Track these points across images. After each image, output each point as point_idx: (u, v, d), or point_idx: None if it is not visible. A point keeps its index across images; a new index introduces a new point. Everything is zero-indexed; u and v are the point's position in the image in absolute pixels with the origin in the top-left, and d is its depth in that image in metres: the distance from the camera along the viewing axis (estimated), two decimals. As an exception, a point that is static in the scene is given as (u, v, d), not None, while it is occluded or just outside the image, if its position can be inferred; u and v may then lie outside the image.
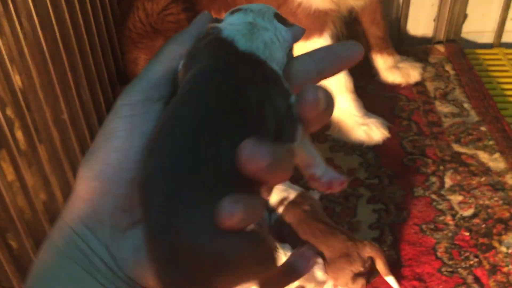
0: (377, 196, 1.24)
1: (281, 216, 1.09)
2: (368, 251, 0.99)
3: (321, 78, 0.33)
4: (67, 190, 1.09)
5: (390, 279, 1.00)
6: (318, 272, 0.96)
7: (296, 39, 0.33)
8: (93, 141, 0.32)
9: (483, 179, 1.26)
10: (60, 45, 1.10)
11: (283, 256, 0.96)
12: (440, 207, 1.20)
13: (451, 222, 1.15)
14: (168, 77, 0.31)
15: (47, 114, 1.03)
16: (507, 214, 1.16)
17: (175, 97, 0.29)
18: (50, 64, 1.05)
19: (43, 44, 1.03)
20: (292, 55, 0.33)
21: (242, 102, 0.28)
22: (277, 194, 1.12)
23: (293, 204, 1.10)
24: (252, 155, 0.25)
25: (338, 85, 1.31)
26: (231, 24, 0.32)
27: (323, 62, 0.32)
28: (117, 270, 0.31)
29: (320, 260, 0.97)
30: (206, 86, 0.28)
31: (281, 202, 1.11)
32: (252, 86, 0.28)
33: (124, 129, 0.30)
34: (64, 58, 1.12)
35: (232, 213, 0.24)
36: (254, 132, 0.27)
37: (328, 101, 0.28)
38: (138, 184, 0.28)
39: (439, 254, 1.08)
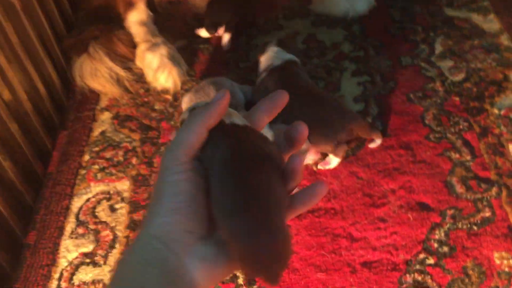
0: (362, 68, 1.16)
1: (264, 80, 1.05)
2: (352, 123, 0.94)
3: (270, 119, 0.51)
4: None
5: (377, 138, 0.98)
6: None
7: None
8: (159, 187, 0.45)
9: (476, 42, 1.17)
10: None
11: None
12: (429, 74, 1.12)
13: (440, 89, 1.08)
14: (199, 143, 0.45)
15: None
16: (500, 76, 1.09)
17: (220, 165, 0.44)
18: None
19: None
20: None
21: (269, 153, 0.45)
22: (263, 62, 1.09)
23: (277, 69, 1.06)
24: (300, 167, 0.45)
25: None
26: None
27: (268, 110, 0.51)
28: (183, 273, 0.42)
29: None
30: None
31: (266, 68, 1.07)
32: (263, 144, 0.45)
33: (184, 180, 0.44)
34: None
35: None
36: (278, 166, 0.45)
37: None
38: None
39: (427, 121, 1.03)
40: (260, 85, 1.07)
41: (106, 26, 1.24)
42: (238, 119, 0.47)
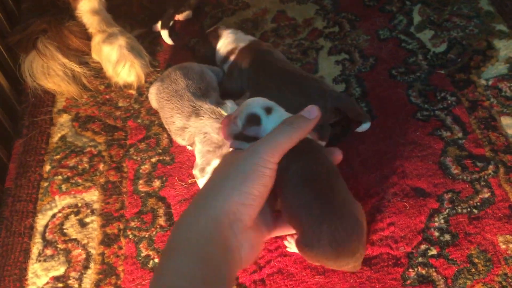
0: (338, 45, 1.08)
1: (235, 63, 0.98)
2: (336, 104, 0.88)
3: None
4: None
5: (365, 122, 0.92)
6: None
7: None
8: None
9: (455, 8, 1.10)
10: None
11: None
12: (410, 47, 1.05)
13: (423, 62, 1.02)
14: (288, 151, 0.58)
15: None
16: (484, 43, 1.03)
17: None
18: None
19: None
20: None
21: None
22: (225, 47, 1.00)
23: (245, 49, 0.98)
24: None
25: None
26: None
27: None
28: (237, 253, 0.53)
29: None
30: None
31: (231, 51, 0.99)
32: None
33: (269, 176, 0.55)
34: None
35: None
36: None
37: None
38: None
39: (413, 98, 0.96)
40: (233, 69, 0.98)
41: (55, 17, 1.12)
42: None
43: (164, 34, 1.13)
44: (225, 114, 0.86)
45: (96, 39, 1.09)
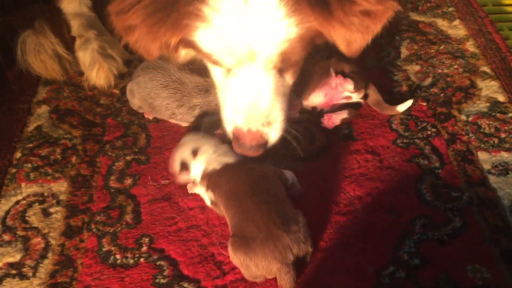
0: (326, 69, 1.10)
1: None
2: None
3: None
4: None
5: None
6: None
7: None
8: None
9: (442, 47, 1.13)
10: None
11: None
12: (395, 77, 1.07)
13: (407, 93, 1.04)
14: None
15: None
16: (467, 82, 1.05)
17: None
18: None
19: None
20: None
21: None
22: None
23: None
24: None
25: None
26: None
27: None
28: None
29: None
30: None
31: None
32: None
33: None
34: None
35: None
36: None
37: None
38: None
39: (394, 126, 0.97)
40: None
41: (51, 7, 1.14)
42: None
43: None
44: None
45: (76, 43, 1.11)
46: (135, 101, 0.97)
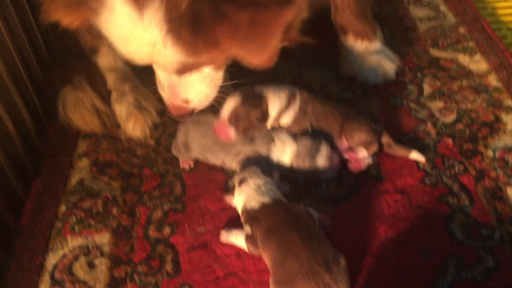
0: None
1: None
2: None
3: None
4: None
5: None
6: None
7: None
8: None
9: (464, 82, 1.16)
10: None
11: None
12: (420, 115, 1.10)
13: (432, 130, 1.06)
14: None
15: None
16: (492, 117, 1.07)
17: None
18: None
19: None
20: None
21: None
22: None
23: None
24: None
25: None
26: None
27: None
28: None
29: None
30: None
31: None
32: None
33: None
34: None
35: None
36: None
37: None
38: None
39: (421, 164, 0.99)
40: None
41: (88, 63, 1.21)
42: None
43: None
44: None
45: (112, 96, 1.17)
46: (191, 155, 1.05)
